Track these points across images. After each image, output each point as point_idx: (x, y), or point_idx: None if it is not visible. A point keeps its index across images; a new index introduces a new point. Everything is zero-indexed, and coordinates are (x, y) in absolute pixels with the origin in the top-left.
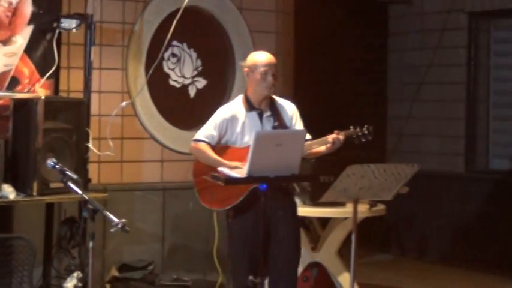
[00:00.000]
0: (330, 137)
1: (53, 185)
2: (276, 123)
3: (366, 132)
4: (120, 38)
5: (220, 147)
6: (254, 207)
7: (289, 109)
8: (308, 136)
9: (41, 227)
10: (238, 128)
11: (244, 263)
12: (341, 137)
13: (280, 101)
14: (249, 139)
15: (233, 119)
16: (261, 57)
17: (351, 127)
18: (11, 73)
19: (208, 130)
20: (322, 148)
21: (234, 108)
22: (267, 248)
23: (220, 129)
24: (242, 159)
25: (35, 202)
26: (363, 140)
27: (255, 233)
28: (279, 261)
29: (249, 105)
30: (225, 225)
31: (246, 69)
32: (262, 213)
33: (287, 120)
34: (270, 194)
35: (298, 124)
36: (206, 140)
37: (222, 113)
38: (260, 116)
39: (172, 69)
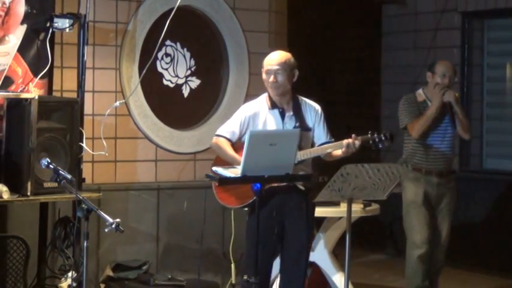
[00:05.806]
0: (345, 141)
1: (47, 184)
2: (297, 124)
3: (384, 138)
4: (114, 38)
5: (242, 143)
6: (269, 205)
7: (313, 110)
8: (326, 139)
9: (35, 226)
10: (260, 125)
11: (253, 260)
12: (357, 142)
13: (305, 101)
14: None
15: (255, 116)
16: (266, 58)
17: (369, 132)
18: (4, 73)
19: (230, 126)
20: (338, 152)
21: (257, 105)
22: (275, 248)
23: (241, 125)
24: None
25: (29, 202)
26: (380, 146)
27: (267, 231)
28: (289, 261)
29: (272, 103)
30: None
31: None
32: (276, 211)
33: (310, 121)
34: (285, 194)
35: (321, 126)
36: (227, 135)
37: (245, 110)
38: (282, 114)
39: (166, 69)
